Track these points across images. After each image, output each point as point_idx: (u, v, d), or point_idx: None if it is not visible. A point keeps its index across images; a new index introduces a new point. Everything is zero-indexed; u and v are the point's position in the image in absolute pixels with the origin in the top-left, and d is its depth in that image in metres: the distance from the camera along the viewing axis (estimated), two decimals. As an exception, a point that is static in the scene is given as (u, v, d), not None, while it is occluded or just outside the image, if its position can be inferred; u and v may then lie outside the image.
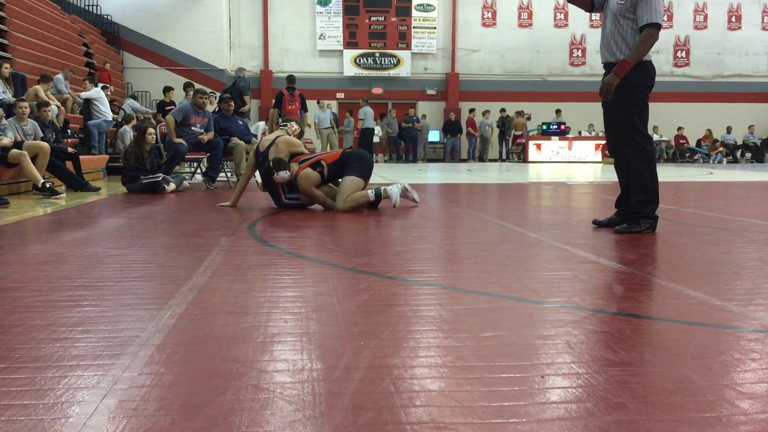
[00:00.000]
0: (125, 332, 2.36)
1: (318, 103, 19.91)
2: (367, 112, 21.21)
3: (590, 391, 1.80)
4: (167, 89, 15.45)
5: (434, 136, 25.02)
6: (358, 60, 25.01)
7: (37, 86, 11.60)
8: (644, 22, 4.82)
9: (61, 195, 8.18)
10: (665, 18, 26.15)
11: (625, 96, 4.91)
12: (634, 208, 5.04)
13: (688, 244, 4.69)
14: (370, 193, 6.64)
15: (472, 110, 24.25)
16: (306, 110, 14.55)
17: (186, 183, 9.72)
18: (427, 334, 2.37)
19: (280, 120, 9.84)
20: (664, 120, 25.50)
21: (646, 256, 4.22)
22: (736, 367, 2.02)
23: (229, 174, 10.72)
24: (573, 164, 21.71)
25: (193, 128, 9.86)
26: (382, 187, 6.78)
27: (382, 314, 2.64)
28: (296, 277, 3.42)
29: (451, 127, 24.19)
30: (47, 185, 8.07)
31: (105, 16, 22.11)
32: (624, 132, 5.04)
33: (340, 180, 6.75)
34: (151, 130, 9.12)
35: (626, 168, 5.11)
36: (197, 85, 14.89)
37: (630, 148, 5.02)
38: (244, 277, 3.34)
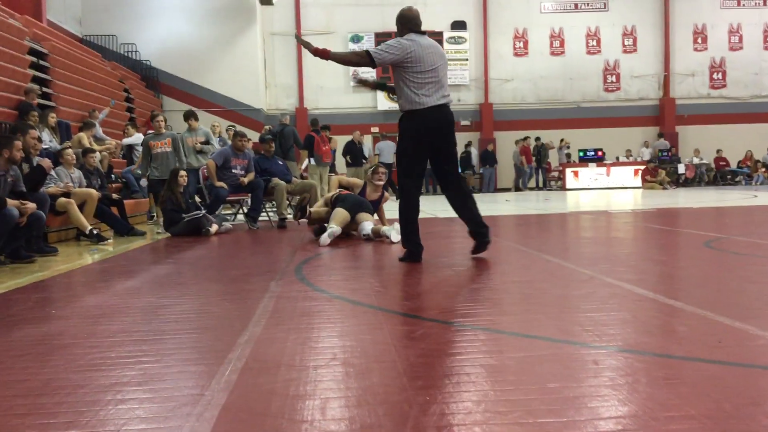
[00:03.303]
0: (189, 390, 2.36)
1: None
2: (383, 147, 21.00)
3: (672, 449, 1.75)
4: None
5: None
6: (392, 94, 25.12)
7: (81, 133, 11.85)
8: None
9: (109, 241, 8.31)
10: (699, 41, 25.96)
11: (399, 141, 5.71)
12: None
13: (746, 277, 4.58)
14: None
15: (526, 138, 24.12)
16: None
17: (228, 224, 9.81)
18: (492, 385, 2.32)
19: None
20: (704, 143, 25.22)
21: (703, 291, 4.13)
22: (821, 417, 1.95)
23: (270, 214, 10.80)
24: (612, 190, 21.49)
25: (233, 170, 10.00)
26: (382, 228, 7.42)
27: (443, 364, 2.60)
28: (350, 323, 3.40)
29: (487, 158, 24.15)
30: (94, 232, 8.21)
31: (144, 62, 22.64)
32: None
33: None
34: (182, 172, 9.29)
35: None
36: (238, 127, 15.16)
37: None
38: (299, 326, 3.33)
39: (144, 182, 11.97)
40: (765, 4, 26.01)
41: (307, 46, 5.69)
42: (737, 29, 26.09)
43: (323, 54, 5.52)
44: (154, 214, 11.47)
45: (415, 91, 5.45)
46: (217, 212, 9.88)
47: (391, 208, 7.84)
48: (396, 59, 5.43)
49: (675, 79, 25.99)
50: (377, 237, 7.36)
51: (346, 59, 5.81)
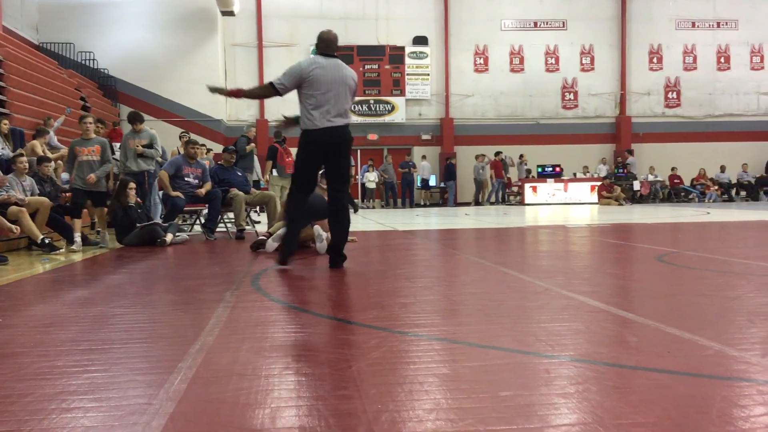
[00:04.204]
0: (136, 399, 2.31)
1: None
2: None
3: (619, 455, 1.76)
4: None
5: (432, 180, 25.23)
6: (353, 107, 25.12)
7: (34, 141, 11.60)
8: None
9: (61, 250, 8.13)
10: (655, 60, 26.54)
11: (296, 154, 6.04)
12: None
13: (696, 290, 4.67)
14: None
15: (498, 153, 24.39)
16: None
17: (185, 235, 9.69)
18: (445, 393, 2.32)
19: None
20: (658, 160, 25.74)
21: (655, 303, 4.19)
22: (765, 423, 1.98)
23: (228, 225, 10.70)
24: (569, 206, 21.78)
25: (186, 179, 9.90)
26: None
27: (396, 373, 2.59)
28: (305, 333, 3.37)
29: (449, 172, 24.37)
30: (46, 241, 8.03)
31: (102, 70, 22.33)
32: None
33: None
34: (132, 184, 9.16)
35: None
36: (193, 136, 15.00)
37: None
38: (253, 336, 3.29)
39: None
40: (719, 26, 26.71)
41: (220, 91, 6.22)
42: (692, 50, 26.72)
43: (236, 94, 6.09)
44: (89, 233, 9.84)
45: (310, 111, 5.75)
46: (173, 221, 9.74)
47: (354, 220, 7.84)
48: (296, 83, 5.79)
49: (631, 97, 26.50)
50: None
51: (255, 94, 6.16)
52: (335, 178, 5.99)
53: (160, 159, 11.06)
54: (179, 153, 12.25)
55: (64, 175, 9.09)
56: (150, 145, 10.32)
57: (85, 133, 9.17)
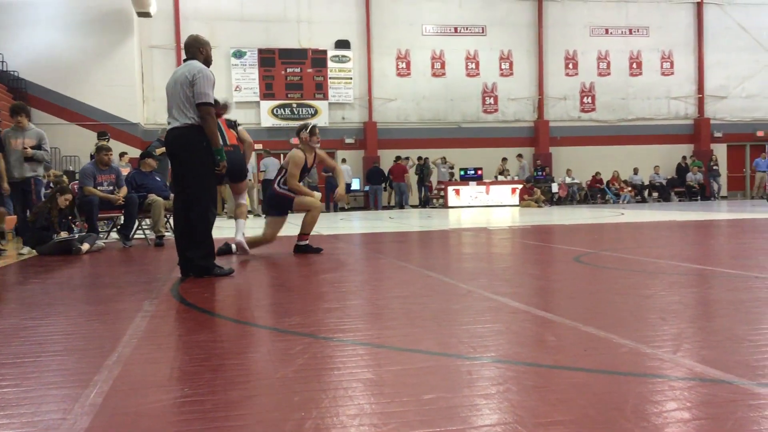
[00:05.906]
0: (50, 414, 2.22)
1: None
2: (267, 164, 20.72)
3: (539, 454, 1.79)
4: None
5: (355, 183, 25.25)
6: (275, 111, 25.04)
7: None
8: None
9: (-32, 260, 7.77)
10: (570, 66, 27.33)
11: None
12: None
13: (612, 289, 4.81)
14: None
15: (399, 158, 24.60)
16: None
17: (101, 243, 9.40)
18: (369, 399, 2.32)
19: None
20: (575, 163, 26.51)
21: (573, 303, 4.30)
22: (676, 418, 2.06)
23: (147, 232, 10.44)
24: (491, 208, 22.18)
25: (100, 188, 9.60)
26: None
27: (320, 380, 2.58)
28: (227, 342, 3.32)
29: (373, 175, 24.44)
30: (-48, 251, 7.65)
31: (11, 72, 21.48)
32: None
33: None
34: (68, 195, 8.86)
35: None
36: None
37: None
38: (173, 345, 3.22)
39: None
40: (631, 33, 27.71)
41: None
42: (605, 56, 27.64)
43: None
44: None
45: None
46: (84, 226, 9.44)
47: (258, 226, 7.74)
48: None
49: (548, 102, 27.21)
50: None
51: None
52: (183, 179, 5.85)
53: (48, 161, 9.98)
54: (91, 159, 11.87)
55: None
56: (38, 146, 9.11)
57: None
